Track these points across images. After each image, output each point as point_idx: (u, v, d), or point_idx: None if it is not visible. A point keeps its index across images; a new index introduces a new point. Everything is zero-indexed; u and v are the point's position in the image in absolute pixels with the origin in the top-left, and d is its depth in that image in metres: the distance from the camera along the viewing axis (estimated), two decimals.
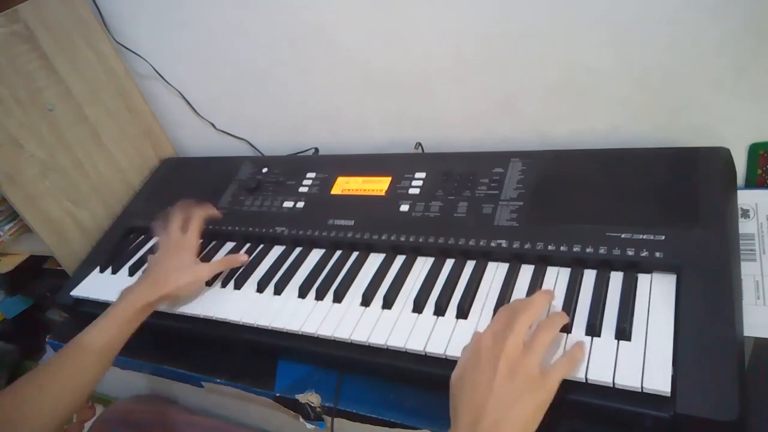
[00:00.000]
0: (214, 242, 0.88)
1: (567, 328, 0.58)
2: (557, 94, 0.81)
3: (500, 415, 0.47)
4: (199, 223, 0.81)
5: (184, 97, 1.07)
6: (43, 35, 0.91)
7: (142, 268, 0.87)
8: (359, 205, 0.81)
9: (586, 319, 0.58)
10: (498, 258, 0.69)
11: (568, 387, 0.54)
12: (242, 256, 0.80)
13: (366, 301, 0.69)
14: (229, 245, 0.87)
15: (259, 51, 0.96)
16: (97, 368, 0.65)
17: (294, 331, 0.69)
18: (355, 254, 0.77)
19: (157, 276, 0.73)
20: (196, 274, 0.75)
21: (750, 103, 0.72)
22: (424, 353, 0.61)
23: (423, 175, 0.82)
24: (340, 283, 0.72)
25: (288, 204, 0.87)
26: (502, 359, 0.49)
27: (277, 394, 0.70)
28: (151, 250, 0.87)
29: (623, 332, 0.55)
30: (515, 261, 0.68)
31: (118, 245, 0.95)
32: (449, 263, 0.71)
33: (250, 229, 0.86)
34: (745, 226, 0.69)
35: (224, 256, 0.82)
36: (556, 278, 0.64)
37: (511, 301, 0.63)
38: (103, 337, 0.66)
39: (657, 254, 0.60)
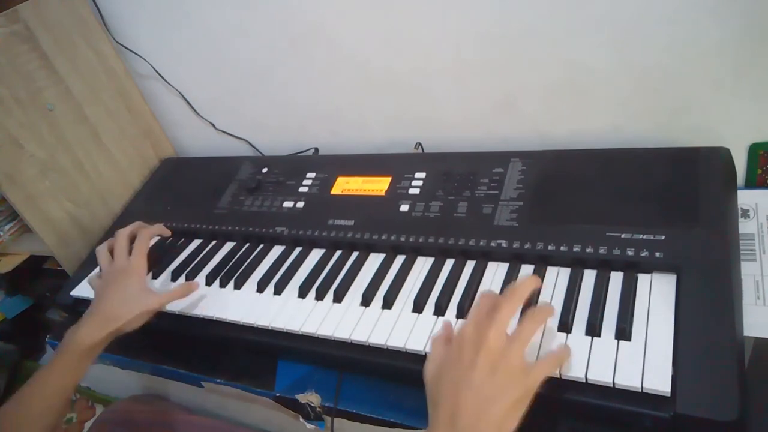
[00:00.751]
0: (214, 242, 0.88)
1: (567, 328, 0.58)
2: (557, 94, 0.81)
3: (480, 410, 0.45)
4: (145, 243, 0.75)
5: (184, 97, 1.08)
6: (43, 35, 0.91)
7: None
8: (359, 205, 0.81)
9: (586, 319, 0.58)
10: (498, 258, 0.69)
11: (568, 387, 0.54)
12: (194, 285, 0.74)
13: (366, 301, 0.69)
14: (229, 245, 0.87)
15: (259, 51, 0.96)
16: (52, 412, 0.63)
17: (294, 331, 0.69)
18: (355, 254, 0.77)
19: (103, 312, 0.67)
20: (146, 304, 0.68)
21: (750, 103, 0.72)
22: (424, 353, 0.61)
23: (423, 175, 0.82)
24: (340, 283, 0.72)
25: (288, 204, 0.87)
26: (482, 352, 0.47)
27: (277, 394, 0.70)
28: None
29: (623, 332, 0.55)
30: (515, 261, 0.68)
31: None
32: (449, 263, 0.71)
33: (250, 229, 0.86)
34: (745, 226, 0.69)
35: (178, 286, 0.74)
36: (556, 278, 0.64)
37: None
38: (50, 385, 0.62)
39: (657, 254, 0.60)
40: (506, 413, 0.46)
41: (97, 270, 0.75)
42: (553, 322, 0.58)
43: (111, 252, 0.75)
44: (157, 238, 0.88)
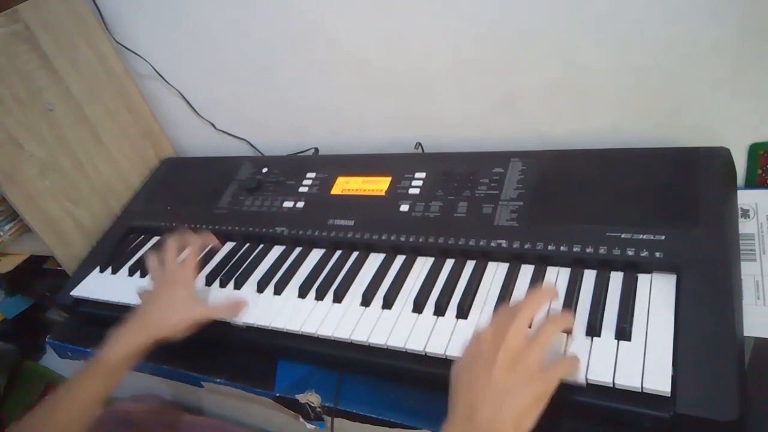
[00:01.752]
0: None
1: (567, 330, 0.58)
2: (557, 94, 0.81)
3: (497, 407, 0.46)
4: (196, 253, 0.75)
5: (184, 97, 1.08)
6: (43, 35, 0.91)
7: (136, 256, 0.83)
8: (359, 205, 0.81)
9: (586, 319, 0.58)
10: (498, 258, 0.69)
11: (568, 387, 0.54)
12: (244, 301, 0.73)
13: (366, 301, 0.69)
14: (229, 245, 0.87)
15: (259, 51, 0.96)
16: (86, 414, 0.62)
17: (294, 331, 0.69)
18: (355, 254, 0.77)
19: (150, 317, 0.67)
20: (192, 314, 0.68)
21: (750, 103, 0.72)
22: (424, 353, 0.61)
23: (423, 175, 0.82)
24: (340, 283, 0.72)
25: (288, 204, 0.87)
26: (501, 350, 0.48)
27: (277, 394, 0.70)
28: (157, 247, 0.84)
29: (623, 332, 0.55)
30: (515, 261, 0.68)
31: (118, 245, 0.95)
32: (449, 263, 0.71)
33: (250, 229, 0.86)
34: (745, 226, 0.69)
35: (228, 301, 0.73)
36: (556, 278, 0.64)
37: (512, 300, 0.63)
38: (89, 390, 0.62)
39: (657, 254, 0.60)
40: (523, 410, 0.46)
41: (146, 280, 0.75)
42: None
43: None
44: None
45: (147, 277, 0.78)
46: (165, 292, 0.70)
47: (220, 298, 0.75)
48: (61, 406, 0.62)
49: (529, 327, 0.52)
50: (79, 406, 0.62)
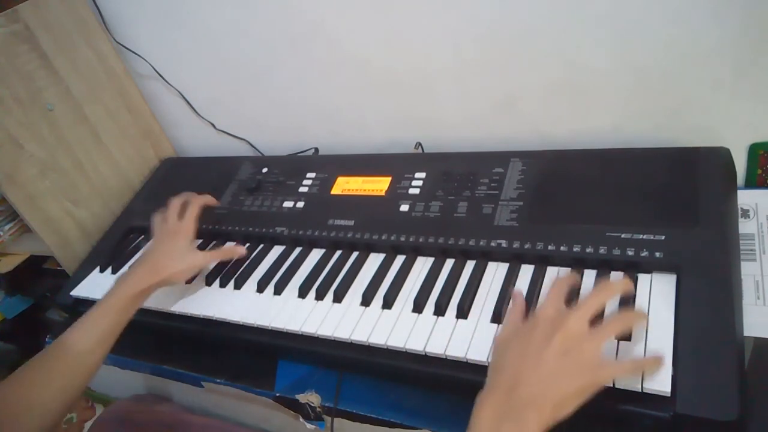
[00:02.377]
0: (214, 242, 0.88)
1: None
2: (557, 94, 0.81)
3: (541, 387, 0.45)
4: (196, 209, 0.80)
5: (184, 97, 1.07)
6: (43, 35, 0.91)
7: (136, 256, 0.87)
8: (359, 205, 0.81)
9: None
10: (498, 258, 0.69)
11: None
12: (241, 248, 0.80)
13: (366, 301, 0.69)
14: (229, 245, 0.87)
15: (259, 51, 0.96)
16: (94, 357, 0.64)
17: (294, 331, 0.69)
18: (355, 254, 0.77)
19: (152, 262, 0.72)
20: (192, 261, 0.74)
21: (750, 103, 0.72)
22: (424, 353, 0.61)
23: (423, 175, 0.82)
24: (340, 283, 0.72)
25: (288, 204, 0.87)
26: (559, 333, 0.47)
27: (277, 394, 0.70)
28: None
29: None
30: (515, 261, 0.68)
31: (118, 245, 0.95)
32: (449, 263, 0.71)
33: (250, 229, 0.86)
34: (745, 226, 0.69)
35: (223, 246, 0.81)
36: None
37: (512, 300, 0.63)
38: (100, 324, 0.65)
39: (657, 254, 0.60)
40: (566, 396, 0.45)
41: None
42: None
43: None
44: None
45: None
46: (167, 242, 0.75)
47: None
48: (71, 342, 0.64)
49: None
50: (89, 343, 0.64)
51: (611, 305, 0.57)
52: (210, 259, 0.77)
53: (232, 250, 0.80)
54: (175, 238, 0.75)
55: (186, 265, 0.73)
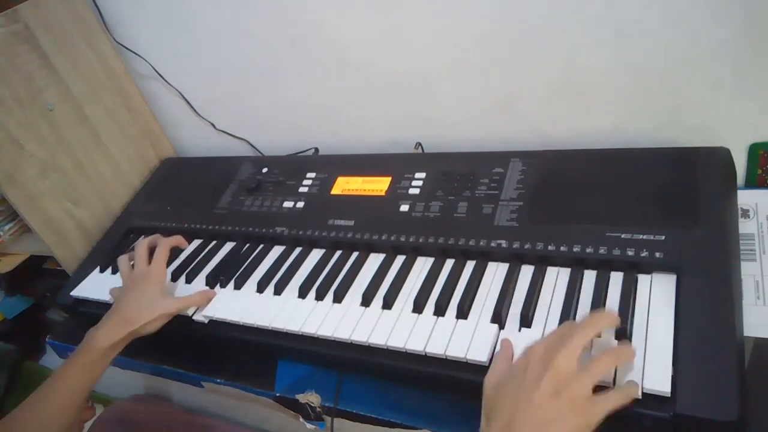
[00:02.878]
0: (214, 242, 0.88)
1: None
2: (557, 94, 0.81)
3: (536, 430, 0.45)
4: (165, 252, 0.76)
5: (184, 97, 1.08)
6: (43, 35, 0.91)
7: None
8: (359, 205, 0.81)
9: None
10: (498, 258, 0.69)
11: None
12: (211, 293, 0.76)
13: (366, 301, 0.69)
14: (229, 245, 0.87)
15: (259, 51, 0.96)
16: (66, 414, 0.64)
17: (294, 331, 0.69)
18: (355, 254, 0.77)
19: (124, 312, 0.69)
20: (164, 308, 0.70)
21: (750, 103, 0.72)
22: (424, 353, 0.61)
23: (423, 175, 0.82)
24: (340, 284, 0.72)
25: (288, 204, 0.87)
26: (549, 373, 0.47)
27: (277, 394, 0.70)
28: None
29: (623, 332, 0.55)
30: (515, 261, 0.68)
31: (118, 245, 0.95)
32: (449, 263, 0.71)
33: (250, 229, 0.86)
34: (745, 226, 0.69)
35: (197, 292, 0.75)
36: (556, 278, 0.64)
37: (512, 300, 0.63)
38: (70, 383, 0.64)
39: (657, 254, 0.60)
40: None
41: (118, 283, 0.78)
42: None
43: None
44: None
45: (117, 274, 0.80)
46: (137, 288, 0.72)
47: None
48: (49, 398, 0.63)
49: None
50: (62, 399, 0.64)
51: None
52: (183, 305, 0.72)
53: (205, 294, 0.75)
54: (144, 284, 0.72)
55: (158, 313, 0.70)
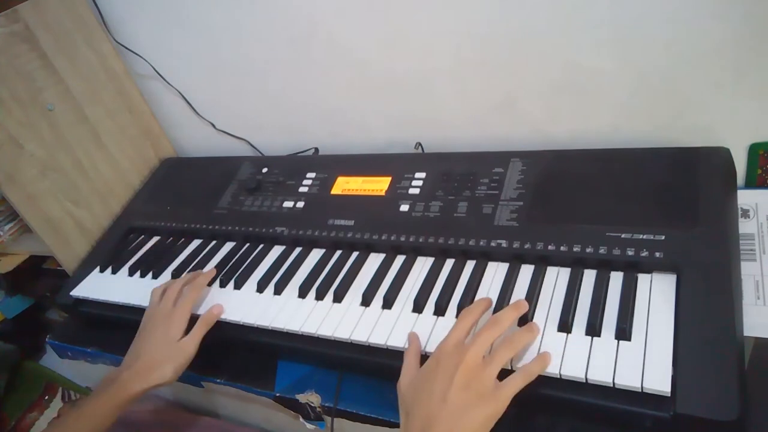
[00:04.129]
0: (214, 242, 0.88)
1: (567, 328, 0.58)
2: (557, 94, 0.81)
3: (452, 424, 0.49)
4: (193, 294, 0.74)
5: (184, 97, 1.08)
6: (43, 35, 0.91)
7: (136, 256, 0.84)
8: (359, 205, 0.81)
9: (586, 319, 0.58)
10: (498, 258, 0.69)
11: (568, 387, 0.54)
12: (215, 309, 0.73)
13: (366, 301, 0.69)
14: (229, 245, 0.87)
15: (258, 51, 0.96)
16: None
17: (294, 331, 0.69)
18: (355, 254, 0.77)
19: (144, 364, 0.67)
20: (183, 355, 0.69)
21: (750, 103, 0.72)
22: (424, 353, 0.61)
23: (423, 175, 0.82)
24: (340, 283, 0.72)
25: (288, 204, 0.87)
26: (460, 371, 0.51)
27: (277, 394, 0.70)
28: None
29: (623, 332, 0.55)
30: (515, 261, 0.68)
31: (118, 245, 0.95)
32: (449, 263, 0.71)
33: (250, 229, 0.86)
34: (745, 226, 0.69)
35: (200, 319, 0.72)
36: (556, 278, 0.64)
37: (511, 300, 0.63)
38: (86, 426, 0.64)
39: (657, 254, 0.60)
40: (476, 427, 0.49)
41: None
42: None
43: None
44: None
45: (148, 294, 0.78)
46: (159, 330, 0.70)
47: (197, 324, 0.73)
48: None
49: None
50: None
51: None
52: (198, 340, 0.70)
53: (210, 315, 0.73)
54: (167, 326, 0.70)
55: (178, 362, 0.68)
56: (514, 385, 0.52)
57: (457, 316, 0.64)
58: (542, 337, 0.58)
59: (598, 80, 0.78)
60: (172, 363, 0.68)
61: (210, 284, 0.79)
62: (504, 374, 0.53)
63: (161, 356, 0.68)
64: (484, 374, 0.51)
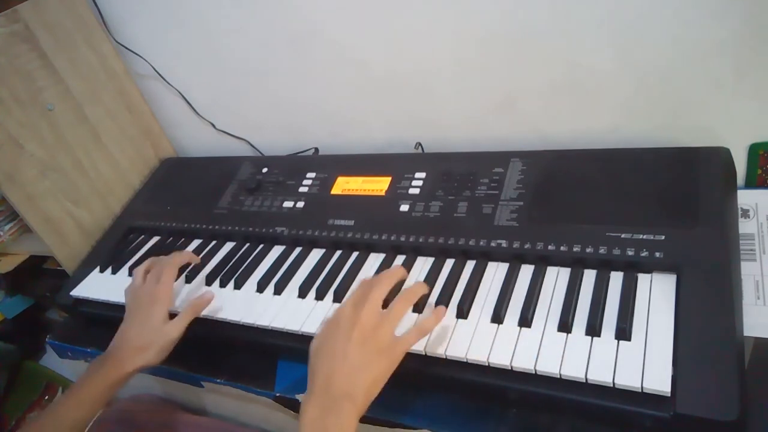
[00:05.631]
0: (214, 242, 0.88)
1: (567, 328, 0.58)
2: (558, 94, 0.81)
3: (350, 379, 0.52)
4: (172, 272, 0.75)
5: (184, 97, 1.08)
6: (43, 35, 0.91)
7: (136, 257, 0.85)
8: (359, 205, 0.81)
9: (586, 319, 0.58)
10: (498, 258, 0.69)
11: (568, 387, 0.54)
12: (207, 295, 0.74)
13: None
14: (229, 245, 0.87)
15: (259, 51, 0.96)
16: (78, 426, 0.64)
17: (294, 331, 0.69)
18: (355, 254, 0.77)
19: (133, 344, 0.69)
20: (169, 335, 0.69)
21: (750, 103, 0.72)
22: (424, 353, 0.61)
23: (423, 175, 0.82)
24: (340, 283, 0.72)
25: (288, 204, 0.87)
26: (356, 328, 0.54)
27: (277, 394, 0.70)
28: (156, 250, 0.86)
29: (623, 332, 0.55)
30: (515, 261, 0.68)
31: (118, 245, 0.95)
32: (449, 263, 0.71)
33: (250, 229, 0.86)
34: (745, 226, 0.69)
35: (189, 304, 0.73)
36: (556, 278, 0.64)
37: (511, 300, 0.63)
38: (69, 415, 0.64)
39: (657, 254, 0.60)
40: (373, 381, 0.53)
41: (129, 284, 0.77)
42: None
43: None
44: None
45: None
46: (143, 311, 0.71)
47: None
48: (58, 416, 0.64)
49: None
50: (75, 416, 0.64)
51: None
52: (184, 325, 0.71)
53: (201, 300, 0.73)
54: (152, 308, 0.71)
55: (163, 341, 0.69)
56: (408, 340, 0.56)
57: (457, 316, 0.64)
58: (542, 337, 0.58)
59: (598, 80, 0.78)
60: (155, 346, 0.69)
61: (210, 284, 0.79)
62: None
63: (146, 340, 0.69)
64: (380, 331, 0.55)
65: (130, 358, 0.68)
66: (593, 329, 0.57)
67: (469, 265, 0.70)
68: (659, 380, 0.50)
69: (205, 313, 0.74)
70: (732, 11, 0.66)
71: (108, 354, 0.69)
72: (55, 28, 0.93)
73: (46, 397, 1.15)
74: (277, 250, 0.83)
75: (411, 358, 0.61)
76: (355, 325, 0.55)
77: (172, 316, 0.72)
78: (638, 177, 0.69)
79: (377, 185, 0.83)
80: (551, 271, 0.65)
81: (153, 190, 1.05)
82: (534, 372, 0.55)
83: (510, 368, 0.56)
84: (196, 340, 0.77)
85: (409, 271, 0.71)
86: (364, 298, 0.57)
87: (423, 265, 0.72)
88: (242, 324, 0.72)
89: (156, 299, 0.71)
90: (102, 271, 0.90)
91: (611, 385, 0.52)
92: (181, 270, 0.80)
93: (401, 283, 0.65)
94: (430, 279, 0.69)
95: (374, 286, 0.58)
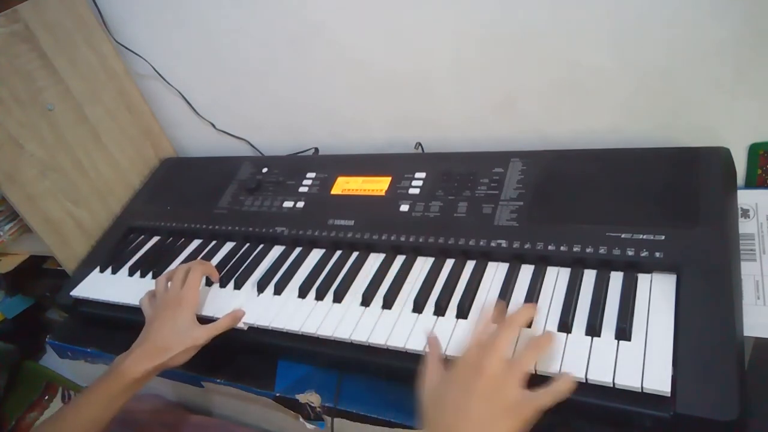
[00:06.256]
0: (214, 242, 0.88)
1: (567, 328, 0.58)
2: (558, 94, 0.81)
3: None
4: (197, 277, 0.74)
5: (184, 97, 1.08)
6: (43, 35, 0.91)
7: (137, 256, 0.85)
8: (359, 205, 0.81)
9: (586, 320, 0.58)
10: (498, 258, 0.69)
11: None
12: (240, 312, 0.73)
13: (366, 301, 0.69)
14: (229, 245, 0.87)
15: (258, 51, 0.96)
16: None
17: (294, 331, 0.69)
18: (355, 254, 0.77)
19: (156, 341, 0.68)
20: (195, 338, 0.68)
21: (750, 103, 0.72)
22: (424, 353, 0.61)
23: (423, 175, 0.82)
24: (340, 283, 0.72)
25: (288, 204, 0.87)
26: (482, 379, 0.49)
27: (277, 394, 0.70)
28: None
29: (623, 332, 0.55)
30: (515, 261, 0.68)
31: (118, 245, 0.95)
32: (449, 263, 0.71)
33: (250, 229, 0.86)
34: (745, 226, 0.69)
35: (225, 316, 0.72)
36: (556, 278, 0.64)
37: (511, 299, 0.63)
38: (95, 407, 0.63)
39: (657, 254, 0.60)
40: None
41: (146, 293, 0.76)
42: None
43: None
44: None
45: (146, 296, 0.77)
46: (169, 313, 0.70)
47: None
48: (71, 420, 0.63)
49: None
50: (87, 420, 0.63)
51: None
52: (213, 333, 0.70)
53: (236, 315, 0.72)
54: (176, 310, 0.70)
55: (189, 343, 0.68)
56: (543, 399, 0.48)
57: (456, 316, 0.64)
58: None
59: (599, 80, 0.78)
60: (180, 347, 0.67)
61: (210, 284, 0.79)
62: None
63: (170, 340, 0.68)
64: (507, 384, 0.49)
65: (152, 357, 0.66)
66: (593, 329, 0.57)
67: (469, 265, 0.70)
68: (659, 380, 0.51)
69: (205, 313, 0.74)
70: (732, 11, 0.66)
71: (129, 352, 0.67)
72: (55, 28, 0.93)
73: (46, 397, 1.15)
74: (277, 250, 0.83)
75: (411, 357, 0.62)
76: (480, 375, 0.49)
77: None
78: (638, 177, 0.69)
79: (377, 185, 0.83)
80: (551, 271, 0.65)
81: (153, 190, 1.05)
82: (534, 372, 0.55)
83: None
84: None
85: (409, 271, 0.72)
86: (490, 343, 0.51)
87: (423, 265, 0.72)
88: (243, 326, 0.72)
89: (182, 301, 0.71)
90: (102, 271, 0.90)
91: (611, 385, 0.52)
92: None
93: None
94: (430, 279, 0.69)
95: (502, 331, 0.52)
